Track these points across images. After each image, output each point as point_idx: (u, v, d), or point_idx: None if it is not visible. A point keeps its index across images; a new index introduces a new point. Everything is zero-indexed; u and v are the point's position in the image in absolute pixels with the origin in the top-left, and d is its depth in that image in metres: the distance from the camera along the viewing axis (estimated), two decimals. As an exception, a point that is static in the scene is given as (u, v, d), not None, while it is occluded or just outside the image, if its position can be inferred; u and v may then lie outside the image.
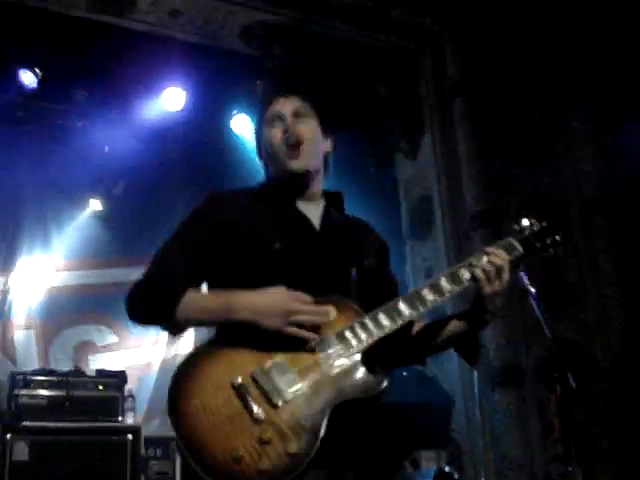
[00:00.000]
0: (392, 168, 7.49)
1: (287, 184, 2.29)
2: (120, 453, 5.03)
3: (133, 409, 5.41)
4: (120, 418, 5.28)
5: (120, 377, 5.45)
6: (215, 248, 2.17)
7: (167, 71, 6.67)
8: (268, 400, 1.87)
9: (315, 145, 2.30)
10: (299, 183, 2.29)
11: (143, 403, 6.45)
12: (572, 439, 2.74)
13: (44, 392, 5.20)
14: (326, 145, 2.38)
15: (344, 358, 1.95)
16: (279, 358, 1.94)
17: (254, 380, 1.90)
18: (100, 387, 5.33)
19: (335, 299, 2.04)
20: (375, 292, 2.19)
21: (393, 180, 7.45)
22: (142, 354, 6.99)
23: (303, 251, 2.16)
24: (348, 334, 1.98)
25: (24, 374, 5.31)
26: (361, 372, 1.94)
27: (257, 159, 2.43)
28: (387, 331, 2.01)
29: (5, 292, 6.84)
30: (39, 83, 6.39)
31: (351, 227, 2.37)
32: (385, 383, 1.94)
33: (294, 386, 1.89)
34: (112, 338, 7.09)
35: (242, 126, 7.25)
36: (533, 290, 2.88)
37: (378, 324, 2.00)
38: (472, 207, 6.30)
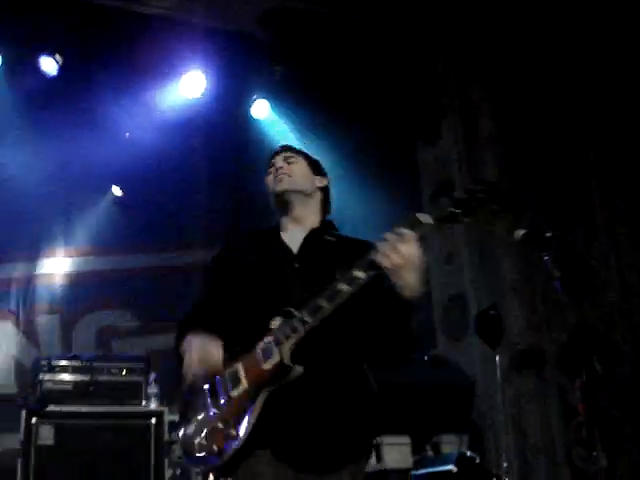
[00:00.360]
0: (413, 153, 7.46)
1: (273, 206, 2.65)
2: (144, 437, 5.08)
3: (156, 394, 5.44)
4: (144, 402, 5.31)
5: (144, 362, 5.48)
6: (221, 278, 2.59)
7: (186, 57, 6.67)
8: (219, 398, 2.34)
9: (300, 176, 2.63)
10: (280, 203, 2.62)
11: (164, 388, 6.49)
12: (597, 424, 2.73)
13: (68, 377, 5.24)
14: (317, 180, 2.68)
15: (275, 355, 2.25)
16: (235, 364, 2.35)
17: (213, 384, 2.37)
18: (124, 372, 5.37)
19: (285, 311, 2.31)
20: (369, 303, 2.33)
21: (414, 165, 7.42)
22: (165, 339, 7.02)
23: (274, 275, 2.47)
24: (280, 334, 2.26)
25: (48, 359, 5.33)
26: (283, 363, 2.24)
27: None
28: (311, 325, 2.24)
29: (29, 278, 6.90)
30: (59, 70, 6.42)
31: (340, 247, 2.53)
32: (297, 371, 2.23)
33: (239, 385, 2.31)
34: (135, 323, 7.14)
35: (262, 112, 7.25)
36: (557, 274, 2.86)
37: (302, 321, 2.25)
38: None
